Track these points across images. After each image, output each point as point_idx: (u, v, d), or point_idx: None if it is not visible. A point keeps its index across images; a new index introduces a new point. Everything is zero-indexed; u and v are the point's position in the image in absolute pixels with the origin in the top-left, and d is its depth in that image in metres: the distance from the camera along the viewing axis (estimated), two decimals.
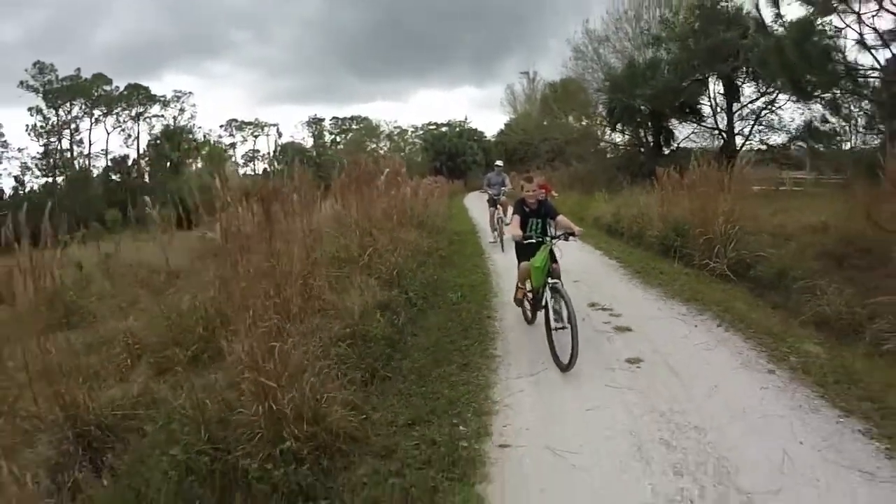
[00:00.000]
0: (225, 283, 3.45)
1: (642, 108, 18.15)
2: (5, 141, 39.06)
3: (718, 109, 17.83)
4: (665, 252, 7.79)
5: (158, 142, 38.51)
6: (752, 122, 17.09)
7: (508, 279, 5.89)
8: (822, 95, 8.32)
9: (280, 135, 47.78)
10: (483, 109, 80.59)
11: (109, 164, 40.80)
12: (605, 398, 3.57)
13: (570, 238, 4.70)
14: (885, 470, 2.63)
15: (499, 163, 12.40)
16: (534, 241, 4.69)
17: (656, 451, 2.91)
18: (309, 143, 51.42)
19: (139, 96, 41.78)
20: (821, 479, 2.59)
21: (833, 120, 8.81)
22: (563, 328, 4.15)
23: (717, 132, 18.14)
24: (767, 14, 9.46)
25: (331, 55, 72.32)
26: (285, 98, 77.72)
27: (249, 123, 49.12)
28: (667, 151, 18.86)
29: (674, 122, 18.93)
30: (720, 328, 4.85)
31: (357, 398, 3.36)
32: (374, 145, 49.40)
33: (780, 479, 2.61)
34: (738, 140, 17.32)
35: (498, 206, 10.49)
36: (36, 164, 39.87)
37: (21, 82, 38.57)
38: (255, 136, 49.55)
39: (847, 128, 8.66)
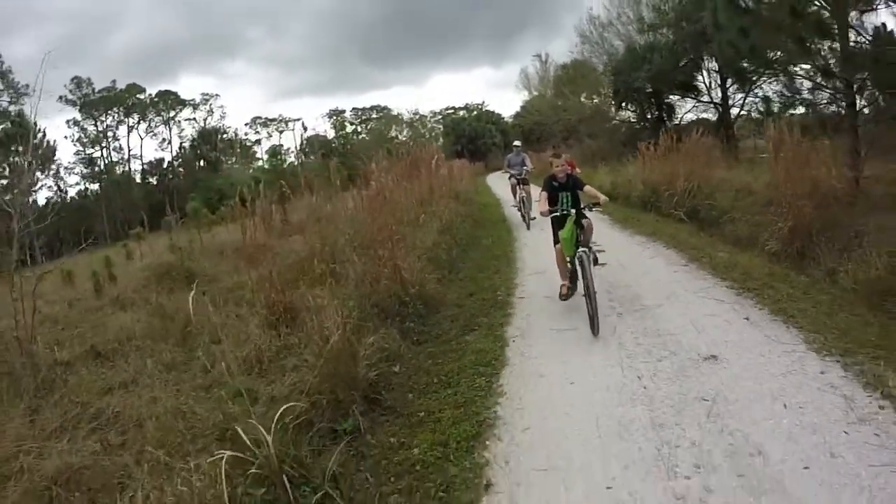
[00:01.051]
0: (365, 224, 6.12)
1: (644, 87, 20.37)
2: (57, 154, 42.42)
3: (713, 85, 20.01)
4: (644, 207, 10.37)
5: (195, 143, 41.74)
6: (744, 95, 19.27)
7: (526, 234, 8.48)
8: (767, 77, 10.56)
9: (305, 129, 50.55)
10: (500, 90, 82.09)
11: (145, 167, 44.21)
12: None
13: (595, 208, 5.24)
14: (730, 299, 5.13)
15: (517, 143, 12.75)
16: (559, 213, 5.12)
17: (603, 295, 5.52)
18: (330, 134, 53.84)
19: (169, 101, 45.02)
20: (691, 302, 5.19)
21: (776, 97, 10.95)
22: (587, 295, 4.69)
23: (713, 105, 20.29)
24: None
25: (345, 45, 74.88)
26: (302, 91, 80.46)
27: (273, 120, 52.06)
28: (670, 125, 21.14)
29: (673, 98, 21.12)
30: (664, 247, 7.48)
31: (438, 285, 6.11)
32: (395, 134, 51.68)
33: (667, 301, 5.23)
34: (735, 112, 19.50)
35: (520, 186, 10.81)
36: (80, 173, 43.30)
37: (60, 97, 41.84)
38: (280, 132, 52.43)
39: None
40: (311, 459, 2.76)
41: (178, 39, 63.27)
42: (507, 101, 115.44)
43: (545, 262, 6.50)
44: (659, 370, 3.72)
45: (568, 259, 5.15)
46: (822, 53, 7.94)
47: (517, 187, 10.91)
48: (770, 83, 12.41)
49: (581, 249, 4.91)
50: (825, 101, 9.10)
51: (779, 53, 8.71)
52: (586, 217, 5.19)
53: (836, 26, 7.38)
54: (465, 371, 4.05)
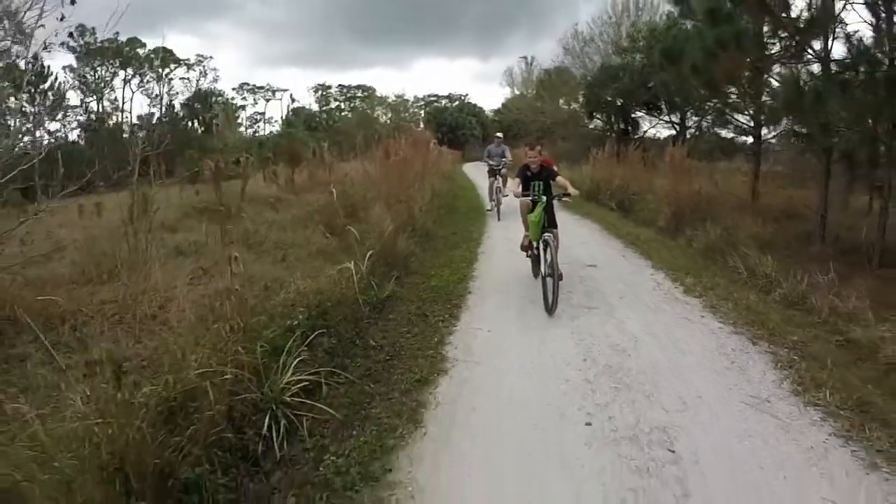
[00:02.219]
0: (384, 182, 8.94)
1: (614, 101, 23.57)
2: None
3: (672, 107, 23.37)
4: (589, 199, 13.42)
5: (189, 102, 43.16)
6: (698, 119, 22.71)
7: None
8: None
9: (293, 100, 52.35)
10: (485, 83, 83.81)
11: (136, 122, 45.26)
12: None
13: (565, 198, 5.66)
14: (619, 247, 8.22)
15: (499, 134, 13.18)
16: (530, 198, 5.59)
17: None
18: (314, 108, 55.52)
19: (165, 58, 46.03)
20: (594, 247, 8.24)
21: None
22: (549, 276, 5.19)
23: (671, 124, 23.67)
24: None
25: (333, 18, 74.96)
26: (285, 61, 79.43)
27: (261, 87, 53.62)
28: (634, 137, 24.45)
29: (639, 113, 24.41)
30: (591, 222, 10.52)
31: (433, 225, 9.01)
32: (379, 115, 53.77)
33: (580, 245, 8.21)
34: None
35: (497, 176, 11.53)
36: (77, 120, 43.95)
37: (62, 43, 42.30)
38: (267, 100, 54.04)
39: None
40: (380, 281, 5.64)
41: None
42: (489, 95, 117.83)
43: (508, 220, 9.49)
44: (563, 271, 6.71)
45: (535, 243, 5.80)
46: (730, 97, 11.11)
47: (494, 183, 11.59)
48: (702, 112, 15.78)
49: (546, 234, 5.45)
50: (738, 132, 12.36)
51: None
52: (555, 226, 5.75)
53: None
54: (454, 262, 7.03)
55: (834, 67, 6.80)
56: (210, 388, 2.62)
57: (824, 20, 6.68)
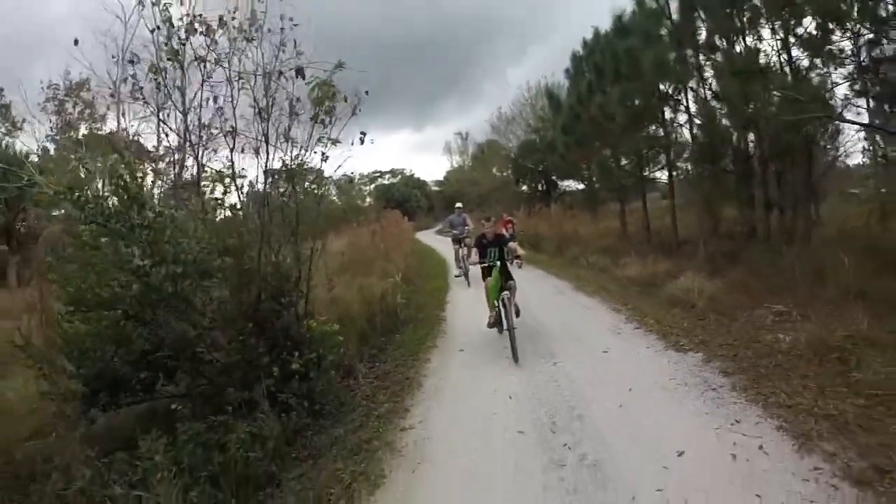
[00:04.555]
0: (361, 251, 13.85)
1: (536, 168, 29.58)
2: None
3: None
4: None
5: None
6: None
7: (449, 262, 16.56)
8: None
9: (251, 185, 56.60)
10: (421, 152, 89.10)
11: None
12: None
13: (516, 260, 6.61)
14: (537, 271, 13.34)
15: (458, 204, 13.91)
16: (487, 264, 6.34)
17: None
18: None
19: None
20: (519, 271, 13.42)
21: None
22: (508, 331, 5.97)
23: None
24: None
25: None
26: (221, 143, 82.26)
27: (220, 172, 57.81)
28: (555, 196, 30.50)
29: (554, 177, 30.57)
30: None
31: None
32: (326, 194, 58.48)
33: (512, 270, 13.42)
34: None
35: (463, 245, 12.26)
36: None
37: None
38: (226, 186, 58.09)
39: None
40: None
41: None
42: (427, 165, 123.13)
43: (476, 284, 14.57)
44: None
45: (496, 303, 6.36)
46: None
47: (459, 251, 12.45)
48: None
49: (504, 293, 6.12)
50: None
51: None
52: (512, 280, 6.58)
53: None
54: (431, 301, 11.74)
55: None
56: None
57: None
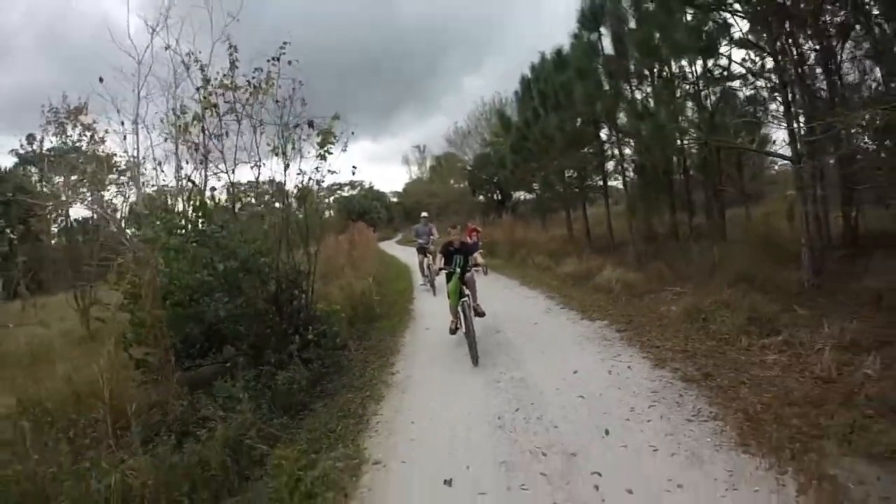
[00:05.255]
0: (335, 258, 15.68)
1: (491, 179, 31.89)
2: None
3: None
4: None
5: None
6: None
7: (413, 267, 18.50)
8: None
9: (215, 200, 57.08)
10: (379, 163, 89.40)
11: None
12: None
13: (476, 268, 7.15)
14: (494, 273, 15.48)
15: (424, 214, 14.49)
16: (448, 271, 6.82)
17: None
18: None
19: None
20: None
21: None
22: (467, 336, 6.51)
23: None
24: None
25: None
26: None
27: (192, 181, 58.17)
28: (508, 205, 32.87)
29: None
30: None
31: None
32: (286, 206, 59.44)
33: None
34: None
35: (427, 254, 12.86)
36: None
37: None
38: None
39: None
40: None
41: None
42: (385, 175, 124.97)
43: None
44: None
45: (457, 308, 6.88)
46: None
47: (424, 261, 13.18)
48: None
49: (463, 300, 6.65)
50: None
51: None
52: (469, 272, 7.05)
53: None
54: (401, 298, 13.71)
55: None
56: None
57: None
